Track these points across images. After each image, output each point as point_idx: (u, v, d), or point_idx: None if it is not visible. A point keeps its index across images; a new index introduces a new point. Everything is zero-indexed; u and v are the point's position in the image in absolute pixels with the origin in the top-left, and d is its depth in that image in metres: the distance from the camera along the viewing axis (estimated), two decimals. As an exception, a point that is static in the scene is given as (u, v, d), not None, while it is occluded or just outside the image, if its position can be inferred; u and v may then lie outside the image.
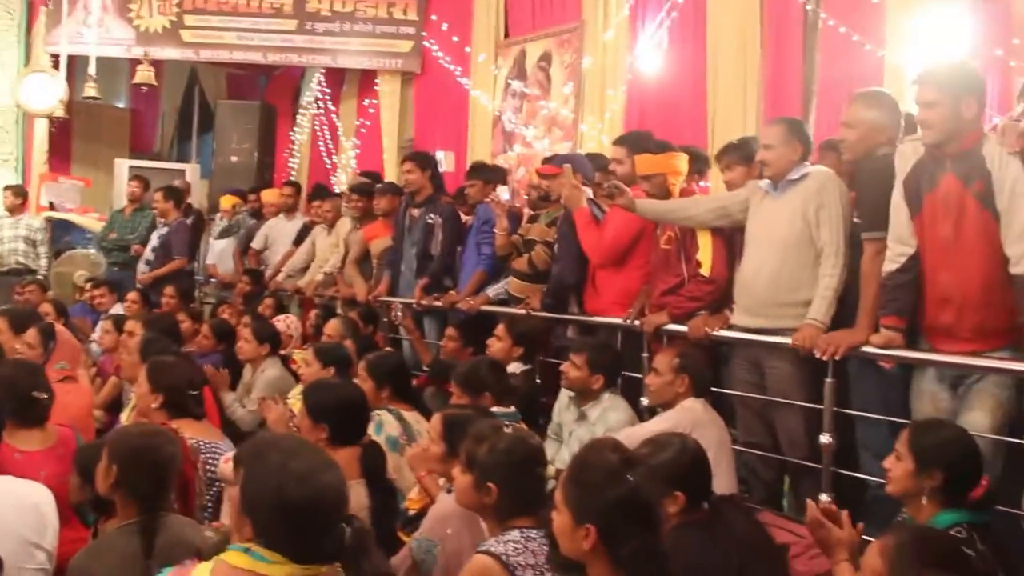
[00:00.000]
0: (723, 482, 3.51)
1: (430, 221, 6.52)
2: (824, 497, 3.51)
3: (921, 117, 3.52)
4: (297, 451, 1.98)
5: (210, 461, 3.63)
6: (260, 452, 1.98)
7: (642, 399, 4.60)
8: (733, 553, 2.52)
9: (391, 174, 9.68)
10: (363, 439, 3.56)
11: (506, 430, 2.74)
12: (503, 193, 6.16)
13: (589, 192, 4.54)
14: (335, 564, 1.93)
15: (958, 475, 2.72)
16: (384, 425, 4.03)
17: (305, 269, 8.18)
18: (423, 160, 6.72)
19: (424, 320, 6.48)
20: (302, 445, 2.04)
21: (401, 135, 10.67)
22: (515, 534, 2.49)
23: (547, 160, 5.81)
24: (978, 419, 3.35)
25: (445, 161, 8.83)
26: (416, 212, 6.64)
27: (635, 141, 5.06)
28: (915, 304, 3.60)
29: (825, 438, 3.83)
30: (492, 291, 5.89)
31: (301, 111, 12.23)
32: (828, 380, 3.82)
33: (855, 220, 3.95)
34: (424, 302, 6.29)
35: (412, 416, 4.18)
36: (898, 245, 3.63)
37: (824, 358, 3.76)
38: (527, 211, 6.15)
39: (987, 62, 5.04)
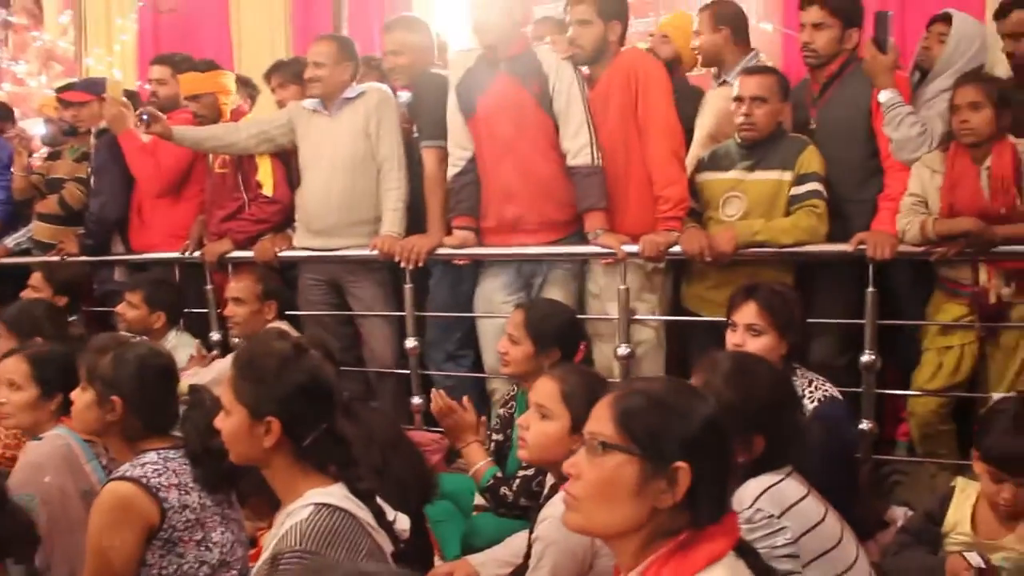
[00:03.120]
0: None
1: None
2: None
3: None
4: None
5: None
6: None
7: (211, 335, 4.38)
8: (374, 446, 2.48)
9: None
10: None
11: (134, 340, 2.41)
12: (37, 126, 5.36)
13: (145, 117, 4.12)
14: None
15: (571, 349, 2.99)
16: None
17: None
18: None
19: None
20: None
21: None
22: (151, 456, 2.22)
23: (66, 88, 5.16)
24: None
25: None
26: None
27: (179, 60, 4.70)
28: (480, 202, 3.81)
29: (410, 342, 3.93)
30: (12, 241, 5.17)
31: None
32: (407, 286, 3.92)
33: (415, 134, 4.06)
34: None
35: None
36: (458, 149, 3.82)
37: (406, 265, 3.84)
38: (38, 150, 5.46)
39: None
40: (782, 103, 3.46)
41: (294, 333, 3.39)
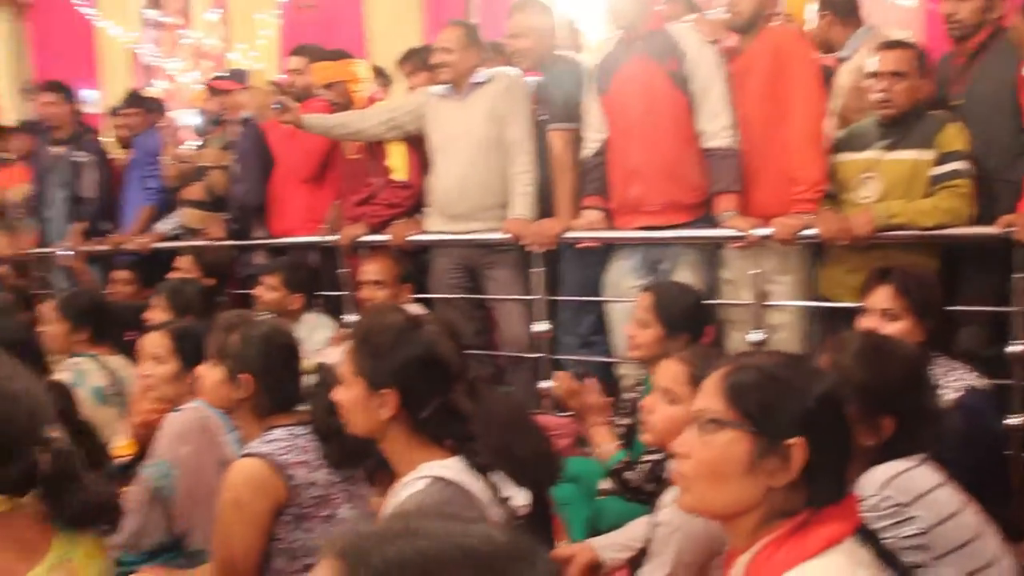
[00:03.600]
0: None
1: (77, 159, 5.87)
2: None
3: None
4: None
5: None
6: None
7: (343, 317, 4.50)
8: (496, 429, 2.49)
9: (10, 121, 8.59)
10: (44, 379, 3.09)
11: (259, 318, 2.50)
12: (187, 117, 5.64)
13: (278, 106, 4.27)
14: (33, 494, 1.60)
15: (699, 333, 2.92)
16: (86, 375, 3.49)
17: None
18: (64, 91, 5.99)
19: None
20: None
21: (19, 76, 9.48)
22: (279, 432, 2.28)
23: (214, 79, 5.40)
24: None
25: (93, 101, 7.99)
26: (58, 151, 5.94)
27: (313, 50, 4.83)
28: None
29: (540, 326, 3.93)
30: (163, 226, 5.44)
31: None
32: (538, 270, 3.91)
33: (541, 117, 4.05)
34: (84, 248, 5.68)
35: (117, 361, 3.64)
36: (593, 132, 3.81)
37: (536, 249, 3.84)
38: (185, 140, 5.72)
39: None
40: (921, 78, 3.30)
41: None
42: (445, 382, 1.92)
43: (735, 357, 1.54)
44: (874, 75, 3.28)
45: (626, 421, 3.12)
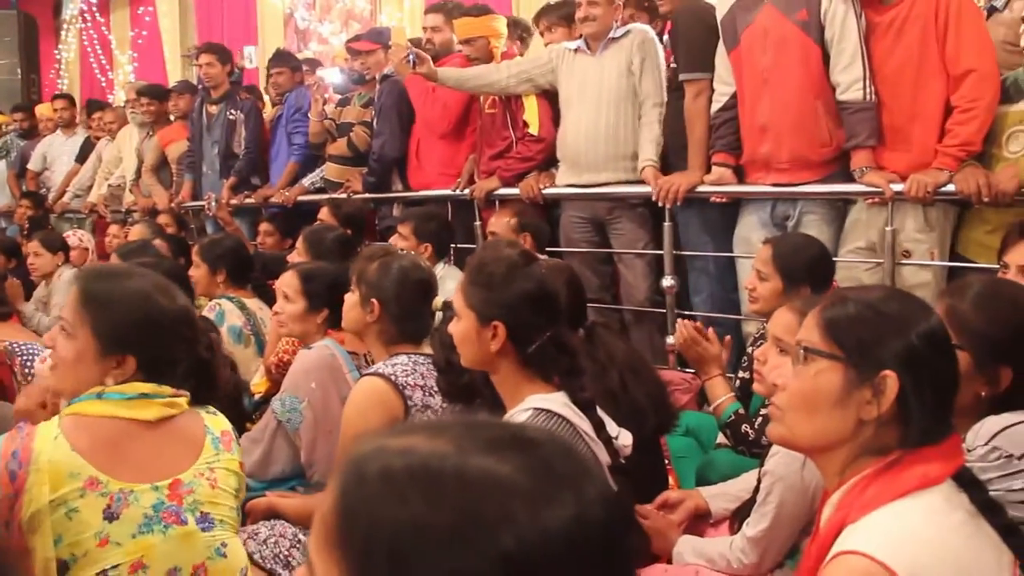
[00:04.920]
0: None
1: (231, 117, 6.17)
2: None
3: None
4: (150, 273, 1.83)
5: (27, 363, 3.31)
6: (114, 274, 1.80)
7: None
8: (612, 369, 2.51)
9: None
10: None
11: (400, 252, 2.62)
12: (331, 75, 5.83)
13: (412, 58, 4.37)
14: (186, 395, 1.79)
15: (822, 287, 2.79)
16: (226, 315, 3.70)
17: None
18: (222, 53, 6.30)
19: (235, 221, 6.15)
20: (131, 268, 1.90)
21: (184, 43, 9.99)
22: (402, 358, 2.40)
23: (354, 39, 5.56)
24: None
25: (252, 57, 8.36)
26: (214, 109, 6.26)
27: (452, 8, 4.91)
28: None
29: (667, 280, 3.91)
30: (308, 181, 5.66)
31: (65, 27, 11.20)
32: (666, 224, 3.89)
33: (672, 66, 4.00)
34: (234, 201, 5.97)
35: (254, 303, 3.86)
36: (722, 85, 3.74)
37: (665, 202, 3.81)
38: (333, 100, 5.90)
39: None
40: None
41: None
42: (553, 318, 1.95)
43: (840, 291, 1.51)
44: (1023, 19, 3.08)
45: (743, 375, 3.07)
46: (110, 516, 1.61)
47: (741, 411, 2.78)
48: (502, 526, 0.67)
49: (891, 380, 1.32)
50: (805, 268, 2.82)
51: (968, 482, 1.34)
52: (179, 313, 1.76)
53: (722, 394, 2.82)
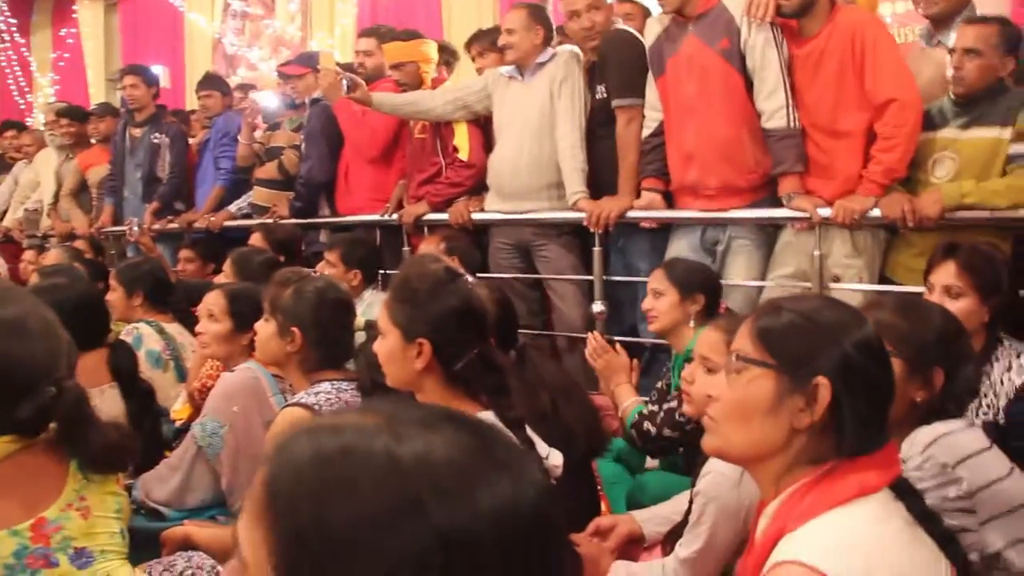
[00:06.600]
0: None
1: (155, 141, 6.05)
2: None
3: None
4: (4, 298, 1.62)
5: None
6: None
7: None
8: (543, 391, 2.47)
9: (97, 107, 8.88)
10: (106, 340, 3.15)
11: (313, 273, 2.53)
12: (267, 99, 5.73)
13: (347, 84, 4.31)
14: (46, 434, 1.60)
15: (713, 295, 2.92)
16: (144, 339, 3.58)
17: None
18: (147, 75, 6.17)
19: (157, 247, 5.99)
20: (9, 291, 1.69)
21: (109, 66, 9.80)
22: (325, 386, 2.31)
23: (287, 63, 5.49)
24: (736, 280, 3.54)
25: (161, 77, 8.20)
26: (138, 132, 6.12)
27: (384, 32, 4.88)
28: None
29: (597, 306, 3.89)
30: (235, 207, 5.55)
31: (-19, 47, 10.90)
32: (596, 249, 3.88)
33: (601, 94, 3.99)
34: (157, 226, 5.83)
35: (174, 328, 3.74)
36: (651, 111, 3.76)
37: (595, 228, 3.80)
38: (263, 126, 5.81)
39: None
40: (1004, 56, 3.15)
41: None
42: (480, 335, 1.90)
43: (773, 300, 1.49)
44: (951, 51, 3.15)
45: (652, 408, 3.02)
46: None
47: (645, 411, 2.79)
48: (436, 503, 0.66)
49: (823, 387, 1.30)
50: (697, 277, 2.93)
51: (905, 491, 1.33)
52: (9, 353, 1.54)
53: (628, 398, 2.88)
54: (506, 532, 0.67)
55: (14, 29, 10.48)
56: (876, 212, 3.24)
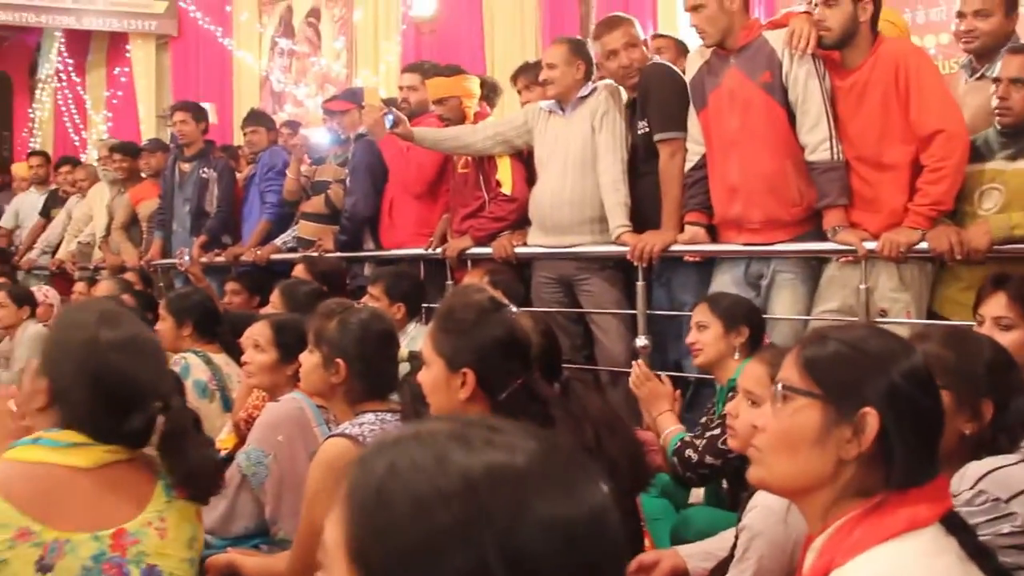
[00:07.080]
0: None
1: (204, 175, 6.16)
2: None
3: (694, 22, 3.62)
4: (115, 318, 1.72)
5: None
6: (70, 318, 1.73)
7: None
8: (587, 424, 2.46)
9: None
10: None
11: (357, 305, 2.55)
12: (318, 135, 5.81)
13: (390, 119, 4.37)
14: (143, 449, 1.70)
15: (757, 328, 2.94)
16: (191, 368, 3.63)
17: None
18: (196, 111, 6.31)
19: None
20: (120, 313, 1.78)
21: (159, 104, 10.03)
22: (369, 417, 2.31)
23: (332, 98, 5.58)
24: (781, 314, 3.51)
25: (210, 113, 8.37)
26: (187, 167, 6.25)
27: (427, 68, 4.95)
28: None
29: (641, 340, 3.86)
30: (280, 240, 5.63)
31: (40, 86, 11.20)
32: (639, 283, 3.87)
33: (643, 129, 3.99)
34: (204, 260, 5.92)
35: (221, 359, 3.78)
36: (694, 144, 3.76)
37: (639, 261, 3.79)
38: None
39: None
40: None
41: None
42: (524, 365, 1.91)
43: (820, 329, 1.48)
44: (996, 80, 3.12)
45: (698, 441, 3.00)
46: (43, 568, 1.52)
47: (687, 438, 2.79)
48: (501, 517, 0.70)
49: (871, 417, 1.28)
50: (742, 310, 2.96)
51: (958, 526, 1.30)
52: (123, 368, 1.67)
53: (670, 426, 2.88)
54: (568, 548, 0.70)
55: (71, 69, 10.77)
56: (923, 245, 3.20)
